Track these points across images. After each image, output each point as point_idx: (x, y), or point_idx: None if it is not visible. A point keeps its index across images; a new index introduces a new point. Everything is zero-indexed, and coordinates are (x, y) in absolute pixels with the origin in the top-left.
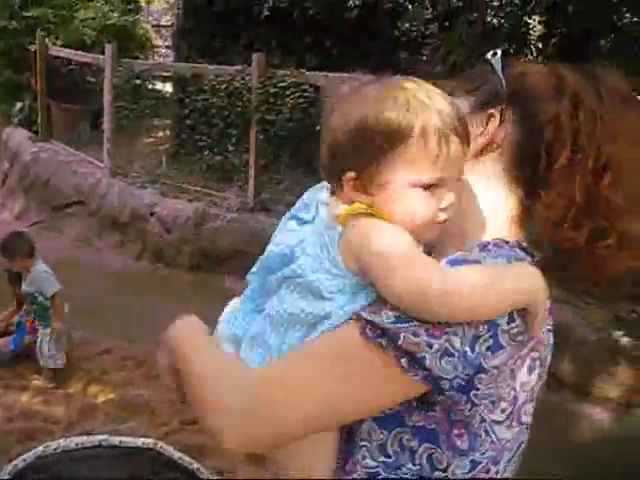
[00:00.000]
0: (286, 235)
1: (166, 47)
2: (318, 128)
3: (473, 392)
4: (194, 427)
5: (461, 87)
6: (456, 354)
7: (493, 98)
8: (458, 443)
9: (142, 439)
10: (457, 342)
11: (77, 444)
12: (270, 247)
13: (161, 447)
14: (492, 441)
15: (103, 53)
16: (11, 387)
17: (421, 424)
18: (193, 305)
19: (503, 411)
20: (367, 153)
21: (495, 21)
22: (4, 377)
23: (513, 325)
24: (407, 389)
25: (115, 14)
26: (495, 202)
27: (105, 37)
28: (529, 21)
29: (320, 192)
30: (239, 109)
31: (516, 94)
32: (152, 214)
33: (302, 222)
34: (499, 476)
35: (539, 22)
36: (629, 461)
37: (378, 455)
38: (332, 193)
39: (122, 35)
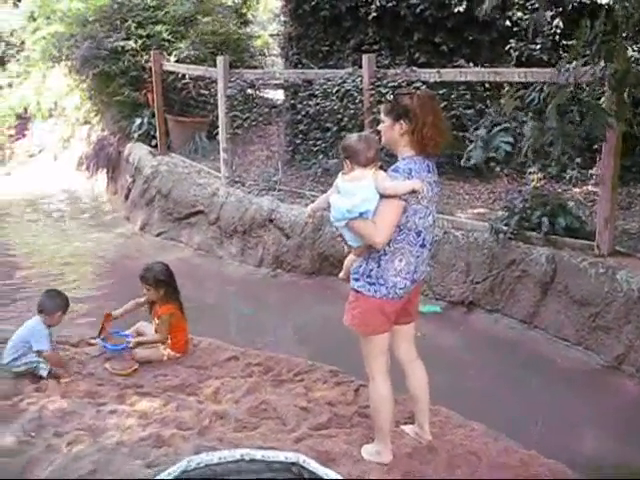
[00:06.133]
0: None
1: (272, 55)
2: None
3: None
4: (323, 433)
5: (385, 110)
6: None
7: (397, 117)
8: (407, 210)
9: (284, 453)
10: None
11: (220, 458)
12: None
13: (304, 461)
14: (413, 209)
15: (215, 66)
16: (144, 394)
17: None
18: (314, 309)
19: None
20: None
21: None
22: (138, 384)
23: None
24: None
25: (224, 28)
26: (406, 144)
27: (220, 50)
28: None
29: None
30: (352, 111)
31: (403, 112)
32: (270, 221)
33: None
34: (420, 220)
35: None
36: None
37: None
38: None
39: (236, 47)
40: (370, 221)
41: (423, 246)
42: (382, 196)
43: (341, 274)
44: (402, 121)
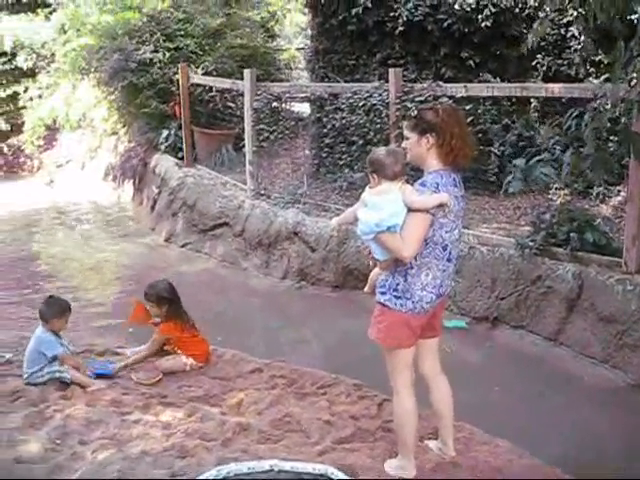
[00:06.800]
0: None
1: (297, 69)
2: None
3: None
4: (346, 446)
5: (409, 127)
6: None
7: (423, 131)
8: (434, 224)
9: (313, 465)
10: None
11: (249, 468)
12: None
13: (332, 473)
14: (440, 223)
15: (242, 79)
16: (168, 404)
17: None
18: (339, 322)
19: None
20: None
21: None
22: (162, 394)
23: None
24: (429, 218)
25: (253, 42)
26: (433, 158)
27: (248, 63)
28: None
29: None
30: (378, 125)
31: (429, 126)
32: (295, 233)
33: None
34: (447, 234)
35: None
36: None
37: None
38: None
39: (263, 60)
40: (398, 235)
41: (449, 260)
42: (409, 210)
43: (366, 288)
44: (428, 135)
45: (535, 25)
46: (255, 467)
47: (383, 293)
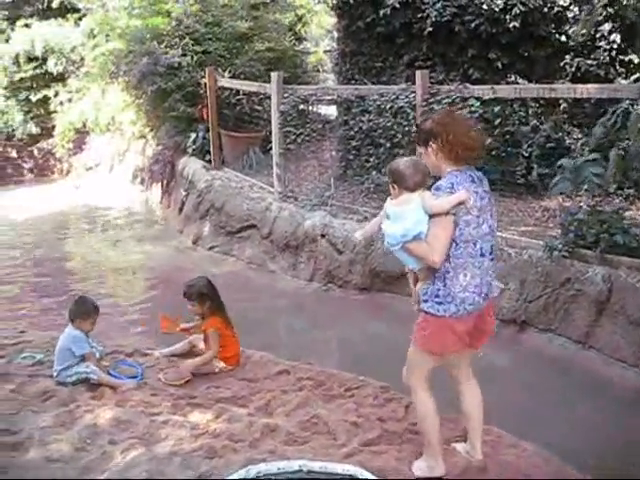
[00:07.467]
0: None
1: (325, 71)
2: (486, 142)
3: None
4: (373, 449)
5: (417, 142)
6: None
7: (426, 141)
8: (458, 223)
9: (342, 465)
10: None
11: (279, 468)
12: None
13: (361, 474)
14: (464, 221)
15: (269, 81)
16: (197, 405)
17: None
18: (365, 325)
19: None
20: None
21: None
22: (191, 395)
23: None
24: (451, 219)
25: (281, 46)
26: (443, 162)
27: (276, 66)
28: None
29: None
30: (404, 128)
31: (428, 134)
32: (323, 236)
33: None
34: (474, 230)
35: None
36: None
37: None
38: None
39: (291, 63)
40: (423, 241)
41: (483, 255)
42: (431, 215)
43: (412, 302)
44: (431, 143)
45: (582, 16)
46: (284, 467)
47: (425, 301)
